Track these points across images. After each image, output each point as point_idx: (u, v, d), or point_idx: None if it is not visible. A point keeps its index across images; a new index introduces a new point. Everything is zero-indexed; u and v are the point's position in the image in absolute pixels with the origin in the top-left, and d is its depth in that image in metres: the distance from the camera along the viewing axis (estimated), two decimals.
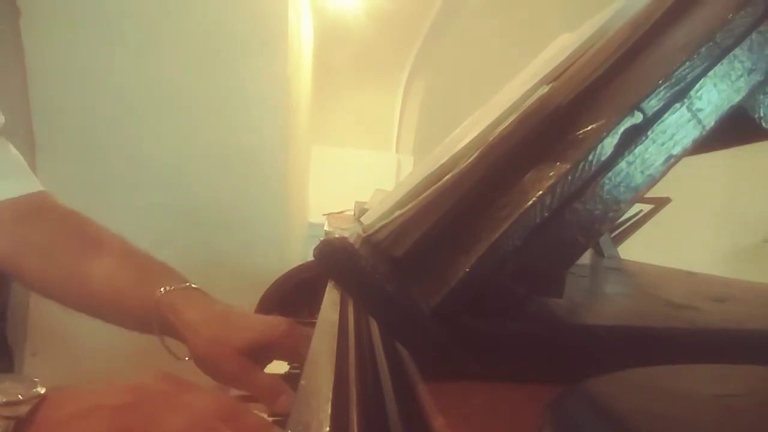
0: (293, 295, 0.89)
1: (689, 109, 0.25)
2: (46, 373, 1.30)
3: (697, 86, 0.25)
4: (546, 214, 0.25)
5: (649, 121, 0.25)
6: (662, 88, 0.25)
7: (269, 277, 0.93)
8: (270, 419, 0.47)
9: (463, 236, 0.29)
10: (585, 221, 0.25)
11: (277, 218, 1.46)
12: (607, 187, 0.25)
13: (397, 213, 0.33)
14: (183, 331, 0.52)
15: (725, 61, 0.25)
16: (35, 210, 0.62)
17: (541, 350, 0.26)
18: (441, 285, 0.26)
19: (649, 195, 0.28)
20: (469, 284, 0.25)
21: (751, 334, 0.30)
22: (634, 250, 0.84)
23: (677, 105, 0.25)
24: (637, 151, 0.25)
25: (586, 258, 0.69)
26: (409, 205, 0.32)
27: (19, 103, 1.26)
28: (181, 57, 1.34)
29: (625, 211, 0.26)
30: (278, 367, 0.58)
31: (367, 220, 0.39)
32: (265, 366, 0.54)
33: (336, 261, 0.26)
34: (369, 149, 3.48)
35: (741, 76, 0.25)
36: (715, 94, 0.25)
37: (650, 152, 0.25)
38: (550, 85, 0.32)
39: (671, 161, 0.25)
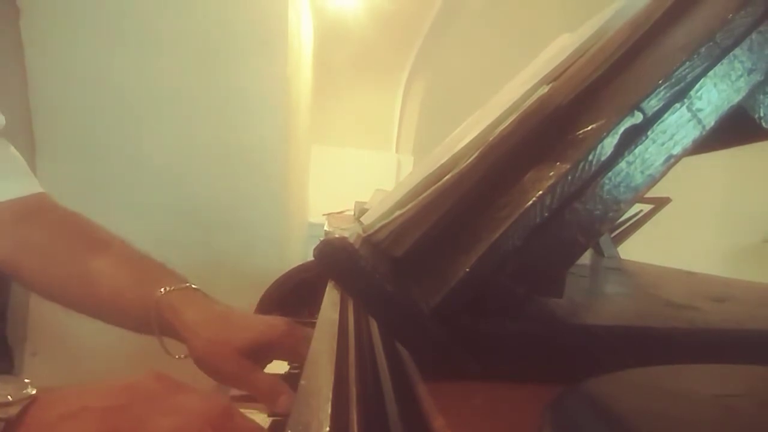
0: (293, 295, 0.89)
1: (689, 109, 0.25)
2: (46, 373, 1.30)
3: (697, 86, 0.25)
4: (546, 214, 0.25)
5: (649, 121, 0.25)
6: (662, 88, 0.25)
7: (269, 277, 0.93)
8: (270, 419, 0.47)
9: (463, 236, 0.29)
10: (585, 221, 0.25)
11: (277, 218, 1.46)
12: (607, 187, 0.25)
13: (397, 213, 0.33)
14: (182, 332, 0.52)
15: (725, 61, 0.25)
16: (35, 211, 0.62)
17: (541, 350, 0.26)
18: (441, 285, 0.26)
19: (649, 195, 0.28)
20: (469, 284, 0.25)
21: (751, 334, 0.30)
22: (634, 250, 0.84)
23: (677, 105, 0.25)
24: (637, 151, 0.25)
25: (586, 258, 0.69)
26: (409, 205, 0.32)
27: (19, 103, 1.26)
28: (181, 57, 1.34)
29: (625, 211, 0.26)
30: (278, 367, 0.58)
31: (367, 220, 0.39)
32: (264, 366, 0.54)
33: (336, 261, 0.26)
34: (369, 149, 3.48)
35: (741, 76, 0.25)
36: (715, 94, 0.25)
37: (650, 152, 0.25)
38: (550, 85, 0.32)
39: (671, 161, 0.25)
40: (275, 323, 0.54)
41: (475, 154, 0.30)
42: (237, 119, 1.39)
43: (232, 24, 1.36)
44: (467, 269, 0.25)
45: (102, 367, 1.27)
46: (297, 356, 0.53)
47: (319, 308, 0.53)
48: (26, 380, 0.33)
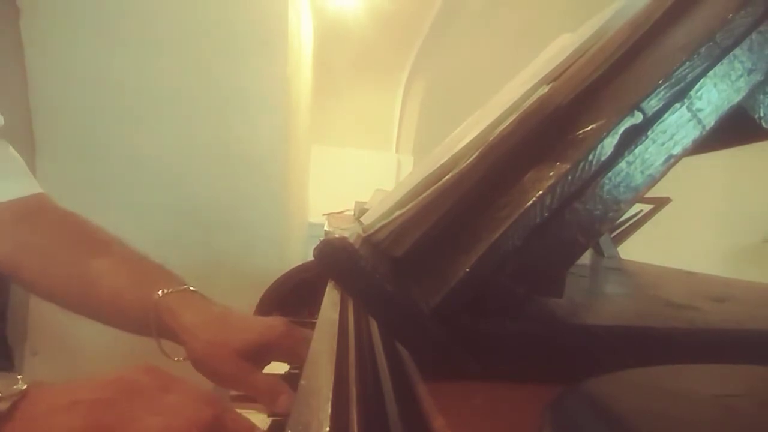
0: (293, 295, 0.89)
1: (689, 109, 0.25)
2: (46, 373, 1.30)
3: (697, 86, 0.25)
4: (546, 214, 0.25)
5: (649, 121, 0.25)
6: (662, 88, 0.25)
7: (269, 277, 0.93)
8: (270, 419, 0.47)
9: (463, 236, 0.29)
10: (585, 221, 0.25)
11: (277, 218, 1.46)
12: (607, 187, 0.25)
13: (397, 213, 0.33)
14: (181, 334, 0.52)
15: (725, 61, 0.25)
16: (35, 211, 0.62)
17: (541, 350, 0.26)
18: (441, 285, 0.26)
19: (649, 195, 0.28)
20: (469, 284, 0.25)
21: (751, 334, 0.30)
22: (634, 250, 0.84)
23: (677, 105, 0.25)
24: (637, 151, 0.25)
25: (586, 258, 0.69)
26: (409, 205, 0.32)
27: (19, 103, 1.26)
28: (181, 57, 1.34)
29: (625, 211, 0.26)
30: (278, 367, 0.58)
31: (367, 220, 0.39)
32: (263, 367, 0.54)
33: (336, 261, 0.26)
34: (369, 149, 3.48)
35: (741, 76, 0.25)
36: (715, 94, 0.25)
37: (650, 152, 0.25)
38: (550, 85, 0.32)
39: (671, 161, 0.25)
40: (274, 324, 0.54)
41: (475, 154, 0.30)
42: (237, 119, 1.39)
43: (232, 24, 1.36)
44: (467, 269, 0.25)
45: (102, 367, 1.27)
46: (296, 357, 0.53)
47: (319, 308, 0.53)
48: (18, 376, 0.33)
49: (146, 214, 1.34)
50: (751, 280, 0.54)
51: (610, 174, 0.25)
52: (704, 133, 0.25)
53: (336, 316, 0.47)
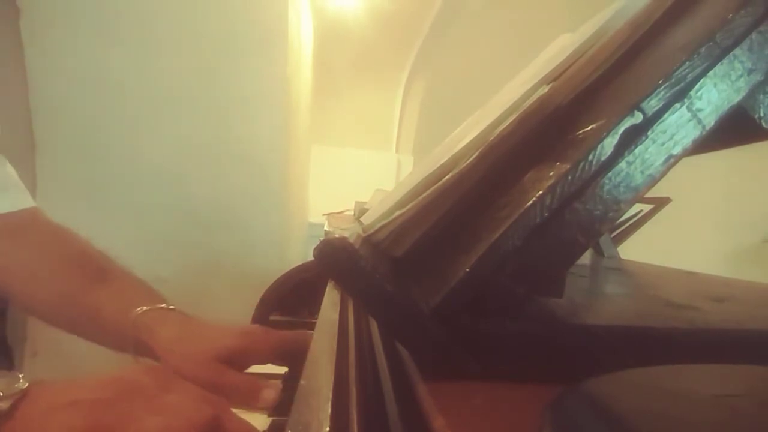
0: (293, 295, 0.89)
1: (689, 109, 0.25)
2: (46, 373, 1.29)
3: (697, 86, 0.25)
4: (546, 214, 0.25)
5: (649, 121, 0.25)
6: (662, 88, 0.25)
7: (269, 277, 0.93)
8: (270, 419, 0.47)
9: (463, 236, 0.29)
10: (585, 221, 0.25)
11: (277, 218, 1.46)
12: (607, 187, 0.25)
13: (397, 213, 0.33)
14: (157, 351, 0.52)
15: (725, 61, 0.25)
16: (26, 226, 0.62)
17: (541, 350, 0.26)
18: (441, 285, 0.26)
19: (649, 195, 0.28)
20: (469, 284, 0.25)
21: (751, 334, 0.30)
22: (634, 250, 0.84)
23: (677, 105, 0.25)
24: (637, 151, 0.25)
25: (586, 258, 0.69)
26: (409, 205, 0.32)
27: (19, 103, 1.26)
28: (181, 57, 1.34)
29: (625, 211, 0.26)
30: (278, 368, 0.58)
31: (367, 220, 0.39)
32: (243, 371, 0.53)
33: (336, 261, 0.26)
34: (369, 149, 3.48)
35: (741, 76, 0.25)
36: (715, 94, 0.25)
37: (650, 152, 0.25)
38: (550, 85, 0.32)
39: (671, 161, 0.25)
40: (249, 330, 0.54)
41: (475, 154, 0.30)
42: (237, 119, 1.39)
43: (232, 24, 1.36)
44: (467, 269, 0.25)
45: (101, 368, 1.27)
46: (274, 358, 0.53)
47: (319, 308, 0.53)
48: (19, 375, 0.33)
49: (146, 214, 1.34)
50: (752, 280, 0.54)
51: (610, 174, 0.25)
52: (704, 133, 0.25)
53: (336, 316, 0.47)
